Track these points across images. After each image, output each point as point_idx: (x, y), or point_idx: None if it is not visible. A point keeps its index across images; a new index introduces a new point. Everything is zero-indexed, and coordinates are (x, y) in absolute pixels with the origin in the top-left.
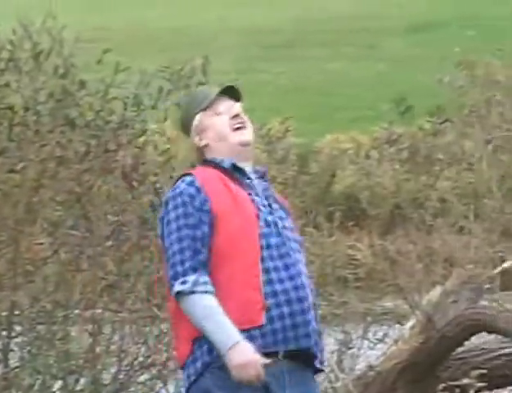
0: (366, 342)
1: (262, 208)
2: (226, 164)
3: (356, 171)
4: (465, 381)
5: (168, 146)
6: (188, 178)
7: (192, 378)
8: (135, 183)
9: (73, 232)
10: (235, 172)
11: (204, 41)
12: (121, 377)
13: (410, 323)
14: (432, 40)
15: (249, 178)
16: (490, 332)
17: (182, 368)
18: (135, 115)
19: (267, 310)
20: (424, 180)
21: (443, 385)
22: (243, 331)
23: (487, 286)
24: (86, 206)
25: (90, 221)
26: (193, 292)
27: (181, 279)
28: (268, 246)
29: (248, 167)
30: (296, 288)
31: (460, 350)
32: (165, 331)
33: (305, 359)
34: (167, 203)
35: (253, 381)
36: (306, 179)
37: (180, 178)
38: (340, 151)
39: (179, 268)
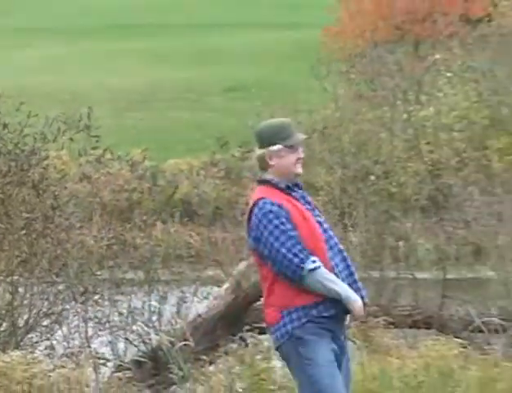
0: (196, 298)
1: (316, 216)
2: (282, 185)
3: (189, 184)
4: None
5: (63, 167)
6: (267, 200)
7: (281, 341)
8: (41, 192)
9: None
10: (287, 190)
11: (84, 96)
12: (30, 321)
13: (225, 286)
14: (242, 98)
15: (294, 191)
16: None
17: (270, 329)
18: (41, 146)
19: None
20: (236, 190)
21: (248, 327)
22: (317, 302)
23: None
24: (7, 207)
25: (10, 217)
26: (319, 267)
27: (308, 261)
28: (329, 245)
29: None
30: (347, 266)
31: (258, 303)
32: (61, 290)
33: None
34: (260, 220)
35: (360, 310)
36: (157, 189)
37: (257, 201)
38: (179, 171)
39: (301, 256)
